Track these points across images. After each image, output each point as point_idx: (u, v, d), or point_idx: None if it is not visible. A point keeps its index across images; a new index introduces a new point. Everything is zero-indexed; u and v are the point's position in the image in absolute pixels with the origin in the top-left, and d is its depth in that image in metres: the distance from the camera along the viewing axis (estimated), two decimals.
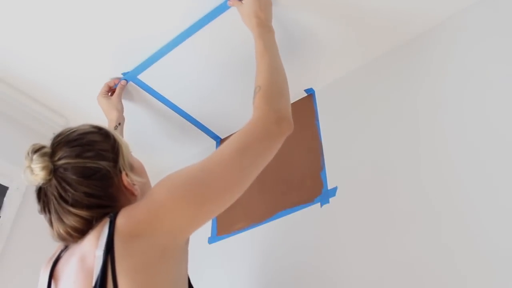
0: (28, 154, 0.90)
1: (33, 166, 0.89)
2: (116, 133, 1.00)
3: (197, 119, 1.65)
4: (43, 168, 0.88)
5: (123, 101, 1.48)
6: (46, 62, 1.45)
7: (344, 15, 1.30)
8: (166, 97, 1.56)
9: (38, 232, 1.45)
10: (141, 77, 1.49)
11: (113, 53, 1.43)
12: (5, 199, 1.43)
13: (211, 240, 1.50)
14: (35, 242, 1.45)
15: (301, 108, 1.52)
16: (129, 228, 0.83)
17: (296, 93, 1.53)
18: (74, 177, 0.88)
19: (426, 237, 1.07)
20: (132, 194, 0.95)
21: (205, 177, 0.89)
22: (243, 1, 1.21)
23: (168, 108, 1.59)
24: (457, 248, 1.01)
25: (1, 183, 1.45)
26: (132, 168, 0.98)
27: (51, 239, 0.94)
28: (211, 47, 1.40)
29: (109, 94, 1.48)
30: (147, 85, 1.51)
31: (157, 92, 1.54)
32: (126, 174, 0.94)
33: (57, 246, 1.02)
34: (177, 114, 1.62)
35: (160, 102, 1.57)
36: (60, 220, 0.89)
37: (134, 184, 0.96)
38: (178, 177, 0.90)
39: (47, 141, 0.92)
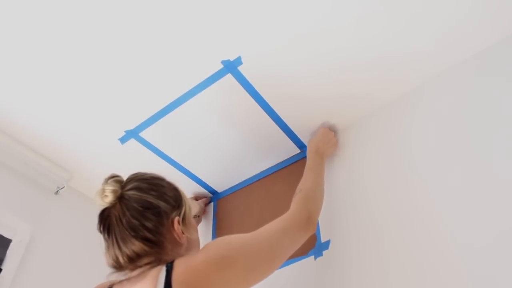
0: (105, 179, 1.05)
1: (105, 187, 1.02)
2: (184, 194, 1.13)
3: (196, 174, 1.70)
4: (113, 191, 1.02)
5: (127, 158, 1.60)
6: (51, 118, 1.51)
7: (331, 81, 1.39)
8: (166, 153, 1.61)
9: (39, 286, 1.48)
10: (143, 134, 1.55)
11: (116, 111, 1.49)
12: (7, 251, 1.43)
13: None
14: None
15: (296, 168, 1.57)
16: (188, 277, 0.91)
17: (293, 152, 1.61)
18: (135, 205, 1.01)
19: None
20: (177, 241, 1.04)
21: (255, 245, 1.02)
22: (318, 130, 1.50)
23: (168, 163, 1.64)
24: None
25: (5, 236, 1.45)
26: (188, 224, 1.10)
27: None
28: (212, 106, 1.47)
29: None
30: (148, 142, 1.57)
31: (157, 149, 1.60)
32: (179, 222, 1.05)
33: None
34: (176, 169, 1.66)
35: (160, 158, 1.62)
36: (117, 244, 0.99)
37: (183, 233, 1.06)
38: (235, 238, 1.03)
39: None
